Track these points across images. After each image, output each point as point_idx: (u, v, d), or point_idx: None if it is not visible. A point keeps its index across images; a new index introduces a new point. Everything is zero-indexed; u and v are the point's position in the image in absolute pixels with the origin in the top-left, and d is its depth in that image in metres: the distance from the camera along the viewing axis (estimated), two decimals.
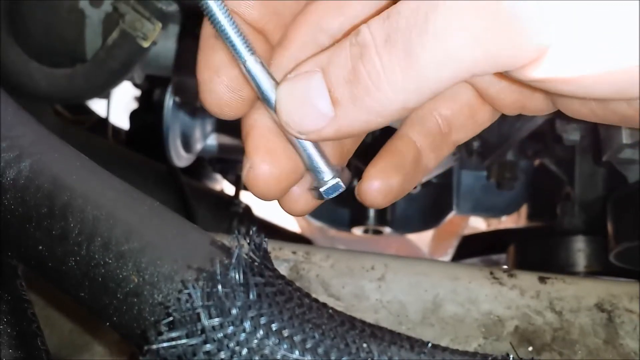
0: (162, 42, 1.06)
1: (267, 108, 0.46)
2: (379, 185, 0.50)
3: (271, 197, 0.48)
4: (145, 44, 0.99)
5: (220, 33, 0.44)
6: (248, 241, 0.41)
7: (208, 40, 0.46)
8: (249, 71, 0.44)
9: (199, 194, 1.47)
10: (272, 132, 0.46)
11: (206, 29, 0.46)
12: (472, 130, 0.54)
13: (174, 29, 1.06)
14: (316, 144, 0.47)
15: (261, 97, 0.45)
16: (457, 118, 0.53)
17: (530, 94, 0.50)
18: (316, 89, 0.42)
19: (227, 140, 1.50)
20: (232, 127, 1.46)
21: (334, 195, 0.48)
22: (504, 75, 0.40)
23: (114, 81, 1.04)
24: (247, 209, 1.51)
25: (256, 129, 0.47)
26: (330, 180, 0.48)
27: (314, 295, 0.43)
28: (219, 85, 0.45)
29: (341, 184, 0.48)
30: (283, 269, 0.75)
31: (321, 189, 0.48)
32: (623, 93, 0.38)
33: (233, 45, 0.44)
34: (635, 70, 0.36)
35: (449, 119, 0.53)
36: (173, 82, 1.25)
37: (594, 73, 0.37)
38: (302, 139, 0.45)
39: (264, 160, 0.46)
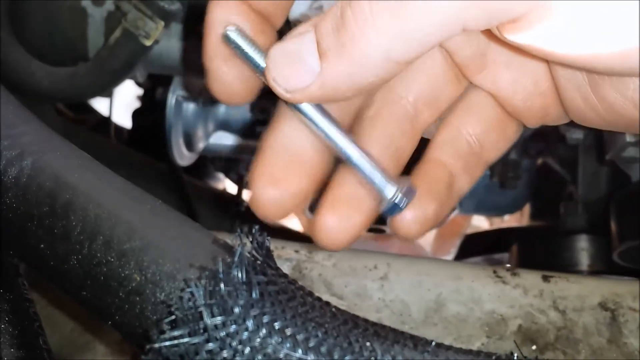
0: (164, 40, 1.05)
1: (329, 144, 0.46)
2: (414, 215, 0.48)
3: (274, 219, 0.48)
4: (148, 43, 0.99)
5: (252, 67, 0.44)
6: (250, 240, 0.41)
7: (215, 28, 0.46)
8: (289, 105, 0.45)
9: (201, 193, 1.47)
10: (277, 158, 0.47)
11: (211, 18, 0.46)
12: (503, 147, 0.53)
13: (176, 28, 1.06)
14: (373, 159, 0.46)
15: (316, 132, 0.46)
16: (487, 135, 0.51)
17: (554, 99, 0.49)
18: (307, 45, 0.42)
19: (230, 139, 1.50)
20: (235, 127, 1.45)
21: (404, 208, 0.47)
22: (507, 43, 0.40)
23: (117, 80, 1.04)
24: (250, 208, 1.50)
25: (264, 151, 0.47)
26: (397, 193, 0.46)
27: (316, 294, 0.43)
28: (228, 74, 0.46)
29: (411, 190, 0.47)
30: (285, 268, 0.75)
31: (391, 203, 0.46)
32: (627, 69, 0.38)
33: (250, 59, 0.44)
34: (636, 50, 0.36)
35: (479, 137, 0.51)
36: (182, 79, 1.25)
37: (595, 44, 0.37)
38: (289, 99, 0.43)
39: (265, 187, 0.47)
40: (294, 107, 0.45)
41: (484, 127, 0.51)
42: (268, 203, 0.47)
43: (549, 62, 0.47)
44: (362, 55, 0.39)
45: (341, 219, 0.47)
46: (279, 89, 0.43)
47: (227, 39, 0.44)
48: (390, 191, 0.46)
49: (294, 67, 0.42)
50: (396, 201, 0.46)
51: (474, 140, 0.51)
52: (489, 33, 0.44)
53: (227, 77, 0.46)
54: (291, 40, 0.42)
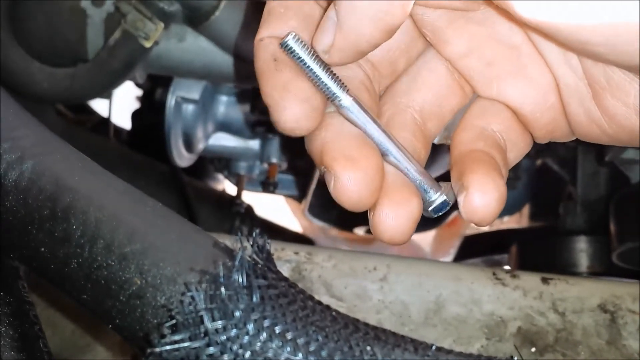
0: (164, 42, 1.05)
1: (381, 149, 0.46)
2: (491, 199, 0.46)
3: (365, 203, 0.46)
4: (147, 44, 0.99)
5: (310, 73, 0.45)
6: (251, 243, 0.41)
7: (268, 64, 0.45)
8: (346, 109, 0.46)
9: (201, 194, 1.47)
10: (345, 140, 0.46)
11: (261, 57, 0.46)
12: (522, 150, 0.52)
13: (175, 29, 1.06)
14: (418, 164, 0.47)
15: (370, 137, 0.46)
16: (510, 135, 0.51)
17: (562, 113, 0.49)
18: (331, 9, 0.44)
19: (229, 140, 1.50)
20: (234, 128, 1.46)
21: (442, 212, 0.48)
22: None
23: (116, 81, 1.04)
24: (249, 209, 1.51)
25: (328, 143, 0.46)
26: (438, 197, 0.47)
27: (316, 296, 0.43)
28: (292, 101, 0.45)
29: (448, 200, 0.47)
30: (285, 270, 0.75)
31: (430, 208, 0.47)
32: (617, 50, 0.39)
33: (325, 85, 0.45)
34: (635, 28, 0.36)
35: (504, 135, 0.51)
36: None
37: (580, 13, 0.37)
38: (327, 60, 0.45)
39: (346, 167, 0.45)
40: (344, 111, 0.46)
41: (505, 125, 0.51)
42: (355, 185, 0.45)
43: (523, 27, 0.47)
44: None
45: (397, 207, 0.46)
46: (319, 53, 0.45)
47: (285, 47, 0.44)
48: (432, 197, 0.47)
49: (323, 25, 0.44)
50: (439, 205, 0.47)
51: (499, 137, 0.51)
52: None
53: (290, 103, 0.45)
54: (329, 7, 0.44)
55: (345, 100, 0.45)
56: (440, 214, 0.48)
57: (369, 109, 0.47)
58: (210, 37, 1.04)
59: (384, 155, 0.47)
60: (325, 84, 0.45)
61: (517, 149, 0.51)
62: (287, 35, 0.44)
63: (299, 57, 0.44)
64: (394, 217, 0.46)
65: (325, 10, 0.46)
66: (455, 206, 0.48)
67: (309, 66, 0.44)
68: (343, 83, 0.45)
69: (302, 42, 0.44)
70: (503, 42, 0.49)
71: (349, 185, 0.44)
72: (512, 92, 0.50)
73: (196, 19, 1.02)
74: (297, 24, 0.46)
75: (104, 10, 1.05)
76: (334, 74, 0.45)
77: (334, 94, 0.45)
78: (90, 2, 1.05)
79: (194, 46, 1.07)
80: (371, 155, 0.46)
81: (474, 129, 0.50)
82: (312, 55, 0.45)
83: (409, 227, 0.47)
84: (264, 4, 0.49)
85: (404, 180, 0.48)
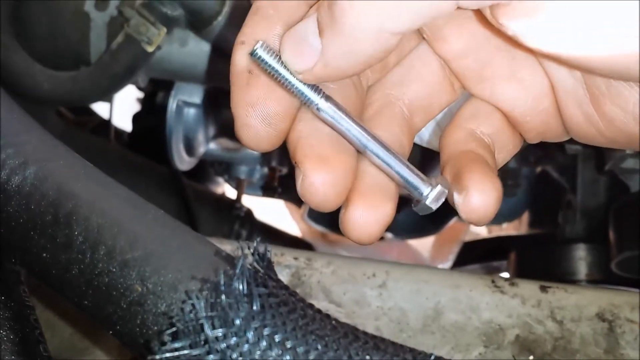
0: (166, 46, 1.06)
1: (362, 150, 0.46)
2: (490, 199, 0.46)
3: (330, 204, 0.46)
4: (150, 49, 0.99)
5: (281, 81, 0.44)
6: (252, 251, 0.41)
7: (241, 75, 0.45)
8: (326, 114, 0.45)
9: (201, 197, 1.47)
10: (319, 139, 0.46)
11: (237, 65, 0.45)
12: (510, 152, 0.52)
13: (178, 33, 1.06)
14: (402, 159, 0.46)
15: (350, 140, 0.46)
16: (498, 137, 0.51)
17: (554, 117, 0.49)
18: (310, 26, 0.42)
19: (229, 143, 1.50)
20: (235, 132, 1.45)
21: (439, 204, 0.47)
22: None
23: (118, 85, 1.04)
24: (249, 213, 1.51)
25: (303, 139, 0.46)
26: (431, 191, 0.46)
27: (315, 302, 0.43)
28: (256, 119, 0.45)
29: (444, 190, 0.46)
30: (284, 275, 0.75)
31: (427, 202, 0.46)
32: (621, 74, 0.39)
33: (299, 91, 0.44)
34: (635, 56, 0.36)
35: (492, 138, 0.51)
36: None
37: (586, 45, 0.38)
38: (300, 79, 0.44)
39: (316, 167, 0.45)
40: (322, 114, 0.45)
41: (495, 128, 0.51)
42: (322, 186, 0.45)
43: (538, 55, 0.47)
44: (354, 27, 0.40)
45: (369, 209, 0.46)
46: (292, 71, 0.44)
47: (255, 57, 0.44)
48: (425, 190, 0.46)
49: (299, 48, 0.43)
50: (429, 201, 0.46)
51: (488, 140, 0.51)
52: (485, 21, 0.44)
53: (255, 123, 0.45)
54: (299, 24, 0.43)
55: (322, 104, 0.45)
56: (439, 204, 0.47)
57: (351, 106, 0.47)
58: (213, 41, 1.04)
59: (367, 157, 0.47)
60: (300, 90, 0.44)
61: (505, 151, 0.52)
62: (256, 44, 0.44)
63: (270, 66, 0.44)
64: (365, 218, 0.46)
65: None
66: (454, 212, 0.48)
67: (281, 74, 0.44)
68: (318, 87, 0.45)
69: (273, 51, 0.44)
70: (500, 44, 0.49)
71: (316, 184, 0.44)
72: (504, 94, 0.50)
73: (199, 24, 1.02)
74: (283, 31, 0.45)
75: (107, 14, 1.05)
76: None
77: (308, 99, 0.45)
78: (93, 5, 1.05)
79: (196, 50, 1.07)
80: (345, 156, 0.46)
81: (465, 130, 0.50)
82: (283, 66, 0.44)
83: (377, 230, 0.47)
84: None
85: (383, 183, 0.47)
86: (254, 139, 0.45)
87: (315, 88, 0.45)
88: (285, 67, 0.44)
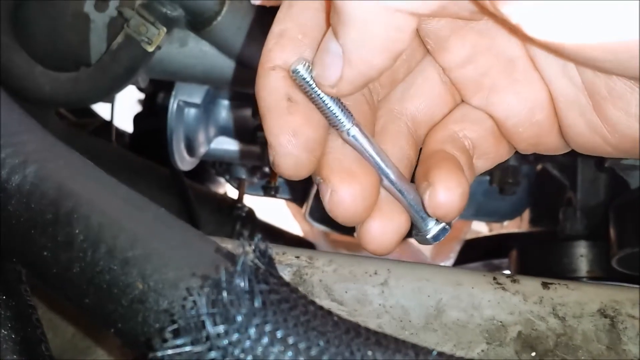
0: (166, 46, 1.06)
1: (380, 175, 0.47)
2: (454, 195, 0.47)
3: (358, 218, 0.47)
4: (150, 49, 0.99)
5: (318, 102, 0.44)
6: (253, 248, 0.41)
7: (280, 103, 0.45)
8: (355, 139, 0.46)
9: (202, 197, 1.47)
10: (345, 155, 0.46)
11: (274, 93, 0.45)
12: (493, 160, 0.53)
13: (178, 34, 1.06)
14: (416, 192, 0.48)
15: (373, 165, 0.47)
16: (481, 144, 0.52)
17: (548, 129, 0.50)
18: (329, 37, 0.43)
19: (231, 144, 1.50)
20: (236, 132, 1.46)
21: (438, 241, 0.49)
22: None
23: (118, 86, 1.04)
24: (250, 213, 1.51)
25: (328, 154, 0.46)
26: (435, 226, 0.49)
27: (317, 300, 0.43)
28: (298, 148, 0.45)
29: (447, 228, 0.49)
30: (286, 274, 0.75)
31: (428, 236, 0.49)
32: (621, 65, 0.39)
33: (334, 114, 0.45)
34: (635, 45, 0.37)
35: (475, 143, 0.52)
36: None
37: (582, 32, 0.38)
38: (335, 94, 0.45)
39: (344, 181, 0.45)
40: (350, 139, 0.46)
41: (480, 134, 0.52)
42: (353, 200, 0.45)
43: (527, 42, 0.47)
44: (356, 10, 0.40)
45: (386, 221, 0.48)
46: (324, 87, 0.44)
47: (297, 75, 0.44)
48: (430, 225, 0.49)
49: (325, 61, 0.43)
50: (429, 236, 0.49)
51: (469, 143, 0.52)
52: (483, 9, 0.45)
53: (295, 151, 0.45)
54: (325, 40, 0.44)
55: (353, 130, 0.46)
56: (438, 241, 0.49)
57: (365, 121, 0.48)
58: (213, 42, 1.04)
59: (383, 184, 0.48)
60: (334, 114, 0.45)
61: (486, 158, 0.52)
62: (298, 62, 0.44)
63: (310, 86, 0.44)
64: (382, 229, 0.48)
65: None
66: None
67: (320, 96, 0.44)
68: (349, 112, 0.46)
69: (311, 70, 0.44)
70: (500, 55, 0.49)
71: (346, 198, 0.45)
72: (500, 104, 0.50)
73: (199, 24, 1.02)
74: (311, 57, 0.45)
75: (107, 14, 1.05)
76: (342, 102, 0.45)
77: (341, 122, 0.45)
78: (93, 6, 1.05)
79: (195, 51, 1.07)
80: (369, 171, 0.47)
81: (447, 132, 0.51)
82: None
83: (394, 241, 0.48)
84: (266, 8, 0.49)
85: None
86: (295, 167, 0.45)
87: (348, 113, 0.45)
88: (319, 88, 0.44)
